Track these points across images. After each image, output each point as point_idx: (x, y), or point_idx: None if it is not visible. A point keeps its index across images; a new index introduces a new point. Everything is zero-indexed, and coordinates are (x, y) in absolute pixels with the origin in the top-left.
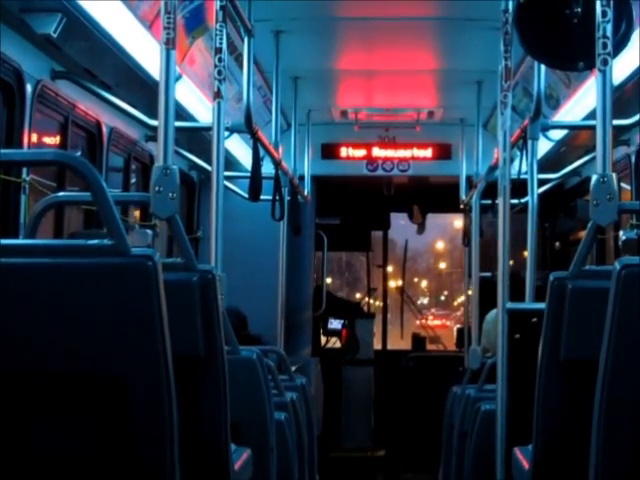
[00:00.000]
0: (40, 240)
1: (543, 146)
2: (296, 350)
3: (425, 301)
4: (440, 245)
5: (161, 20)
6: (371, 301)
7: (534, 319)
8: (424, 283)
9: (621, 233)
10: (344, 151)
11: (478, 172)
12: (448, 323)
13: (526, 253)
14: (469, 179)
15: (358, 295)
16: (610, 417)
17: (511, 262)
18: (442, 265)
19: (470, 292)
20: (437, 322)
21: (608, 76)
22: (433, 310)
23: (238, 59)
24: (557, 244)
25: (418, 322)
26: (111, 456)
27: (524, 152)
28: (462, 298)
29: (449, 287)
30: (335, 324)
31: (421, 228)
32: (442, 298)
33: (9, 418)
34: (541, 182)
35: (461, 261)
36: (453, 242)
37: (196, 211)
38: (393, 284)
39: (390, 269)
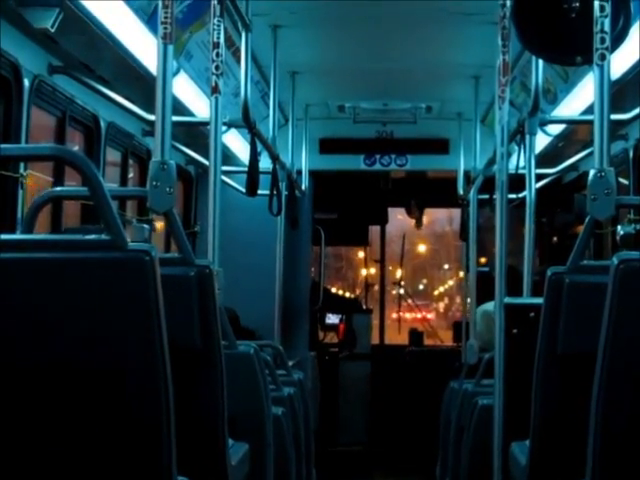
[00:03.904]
0: (37, 235)
1: (541, 141)
2: (293, 345)
3: (401, 291)
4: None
5: (158, 14)
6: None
7: (532, 314)
8: (399, 272)
9: (619, 228)
10: (342, 146)
11: (476, 167)
12: (429, 316)
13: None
14: (467, 174)
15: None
16: (607, 412)
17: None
18: (421, 247)
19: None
20: (417, 314)
21: (606, 71)
22: (410, 301)
23: (236, 54)
24: (555, 239)
25: (395, 315)
26: (108, 449)
27: (522, 147)
28: (443, 288)
29: (428, 275)
30: (332, 319)
31: (419, 222)
32: (420, 287)
33: (6, 411)
34: (539, 177)
35: (443, 245)
36: (432, 226)
37: (193, 206)
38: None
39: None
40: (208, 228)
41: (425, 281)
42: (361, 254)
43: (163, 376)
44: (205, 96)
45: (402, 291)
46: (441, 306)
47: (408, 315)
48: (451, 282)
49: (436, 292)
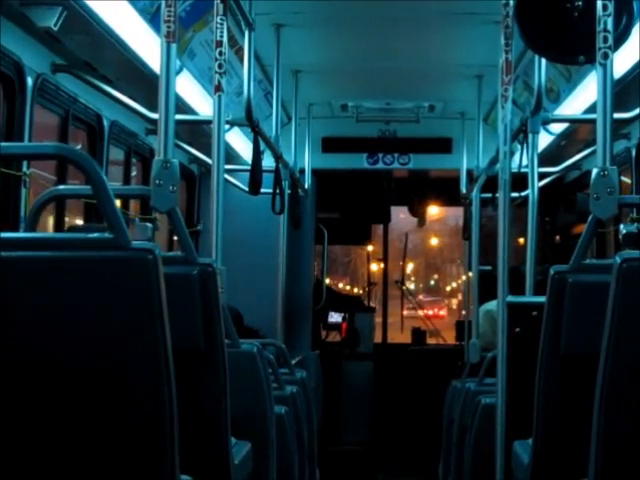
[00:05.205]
0: (40, 233)
1: (543, 140)
2: (296, 344)
3: (412, 286)
4: (434, 210)
5: (162, 13)
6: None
7: (534, 313)
8: (410, 266)
9: (621, 227)
10: (345, 145)
11: (478, 166)
12: (442, 313)
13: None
14: (469, 173)
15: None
16: (610, 411)
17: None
18: (434, 241)
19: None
20: (428, 311)
21: (609, 70)
22: (421, 297)
23: (239, 53)
24: (557, 238)
25: (406, 312)
26: (111, 448)
27: (524, 145)
28: (456, 283)
29: (440, 271)
30: (335, 318)
31: (422, 221)
32: (432, 282)
33: (7, 410)
34: (541, 176)
35: (456, 240)
36: (446, 221)
37: (196, 204)
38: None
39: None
40: (211, 227)
41: (437, 277)
42: (370, 248)
43: (166, 375)
44: (208, 95)
45: (412, 287)
46: (454, 303)
47: (421, 313)
48: (465, 277)
49: (448, 288)
